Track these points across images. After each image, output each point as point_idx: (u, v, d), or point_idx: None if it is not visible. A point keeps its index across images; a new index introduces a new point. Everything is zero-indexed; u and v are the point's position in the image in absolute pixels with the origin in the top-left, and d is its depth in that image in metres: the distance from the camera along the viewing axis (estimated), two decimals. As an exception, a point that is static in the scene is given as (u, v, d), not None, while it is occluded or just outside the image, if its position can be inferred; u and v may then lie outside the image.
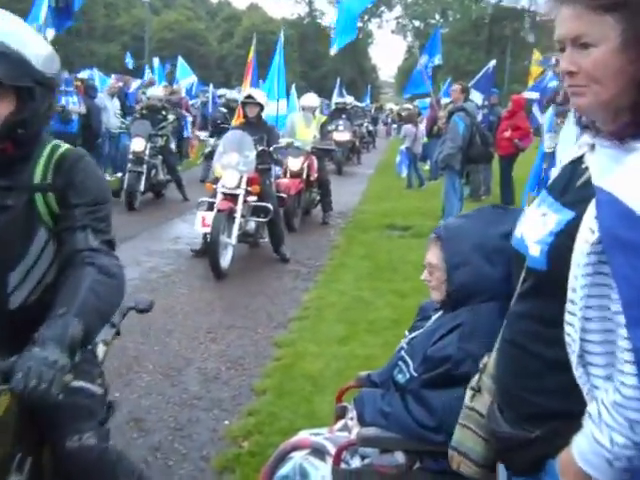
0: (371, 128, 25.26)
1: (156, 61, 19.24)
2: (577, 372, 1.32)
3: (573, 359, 1.33)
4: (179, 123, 14.18)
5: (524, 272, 1.49)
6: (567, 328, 1.34)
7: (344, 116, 17.02)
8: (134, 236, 8.24)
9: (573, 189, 1.43)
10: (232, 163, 6.93)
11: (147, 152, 10.31)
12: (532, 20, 46.11)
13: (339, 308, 5.84)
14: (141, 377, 4.33)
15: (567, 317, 1.33)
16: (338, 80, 22.08)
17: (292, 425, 3.63)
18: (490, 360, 1.73)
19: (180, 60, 19.36)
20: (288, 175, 9.34)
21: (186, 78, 18.99)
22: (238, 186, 6.85)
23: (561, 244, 1.35)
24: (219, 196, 6.88)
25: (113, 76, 16.11)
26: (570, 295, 1.32)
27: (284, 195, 8.35)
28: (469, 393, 1.78)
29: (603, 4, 1.28)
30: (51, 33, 10.94)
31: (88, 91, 12.77)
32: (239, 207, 6.81)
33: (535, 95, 12.93)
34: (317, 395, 4.05)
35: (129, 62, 18.24)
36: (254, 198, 7.08)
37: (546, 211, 1.45)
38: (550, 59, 14.40)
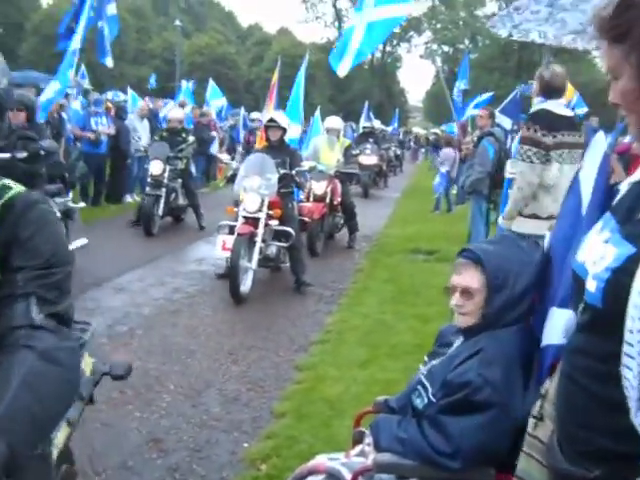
0: (398, 152, 25.37)
1: (184, 83, 19.47)
2: (637, 419, 1.24)
3: (632, 405, 1.24)
4: (205, 144, 14.38)
5: (583, 303, 1.41)
6: (625, 372, 1.24)
7: (371, 140, 17.10)
8: (158, 257, 8.32)
9: (635, 219, 1.34)
10: (254, 186, 6.85)
11: (166, 175, 9.96)
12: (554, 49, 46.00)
13: (361, 332, 5.82)
14: (162, 397, 4.35)
15: (625, 360, 1.24)
16: (366, 104, 22.15)
17: (311, 449, 3.61)
18: (551, 386, 1.67)
19: (211, 82, 19.60)
20: (311, 199, 9.26)
21: (216, 100, 19.22)
22: (259, 210, 6.78)
23: (619, 282, 1.26)
24: (240, 220, 6.79)
25: (147, 98, 16.35)
26: (628, 337, 1.23)
27: (307, 219, 8.26)
28: (531, 421, 1.74)
29: (612, 36, 1.29)
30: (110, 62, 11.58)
31: (118, 112, 13.02)
32: (260, 231, 6.73)
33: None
34: (336, 419, 4.03)
35: (152, 83, 18.52)
36: (276, 222, 6.99)
37: (608, 237, 1.36)
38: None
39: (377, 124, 21.29)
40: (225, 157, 10.37)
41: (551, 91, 4.79)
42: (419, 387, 2.22)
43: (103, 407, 4.10)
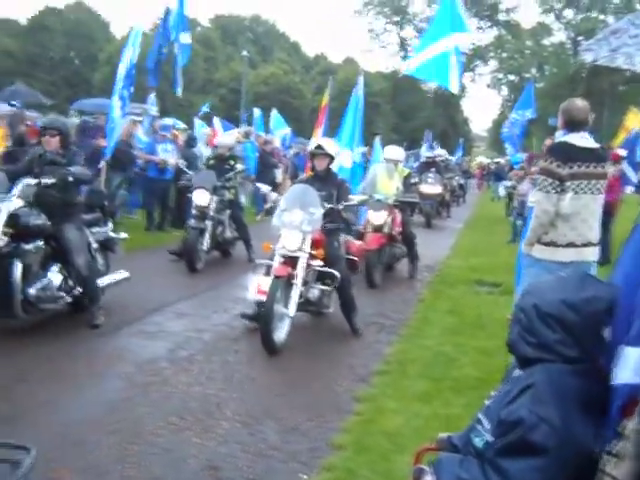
0: (462, 182, 25.10)
1: (256, 112, 19.80)
2: None
3: None
4: (269, 172, 14.57)
5: None
6: None
7: (433, 169, 16.99)
8: (219, 284, 8.40)
9: None
10: (294, 222, 6.05)
11: (212, 206, 9.24)
12: (631, 75, 44.97)
13: (422, 363, 5.71)
14: (220, 424, 4.34)
15: None
16: (428, 133, 22.01)
17: (369, 483, 3.55)
18: (630, 425, 1.59)
19: (274, 112, 19.88)
20: (370, 229, 8.92)
21: (280, 130, 19.47)
22: (300, 248, 5.99)
23: None
24: (277, 259, 6.02)
25: (216, 121, 16.64)
26: None
27: (355, 258, 7.10)
28: (608, 459, 1.66)
29: None
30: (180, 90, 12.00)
31: (188, 140, 13.37)
32: (299, 273, 5.95)
33: (623, 152, 12.47)
34: (396, 453, 3.94)
35: (204, 110, 18.91)
36: (319, 262, 6.23)
37: None
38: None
39: (442, 152, 21.10)
40: (265, 187, 9.38)
41: (573, 124, 4.94)
42: (477, 425, 2.15)
43: (163, 432, 4.13)
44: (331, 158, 6.71)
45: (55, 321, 6.20)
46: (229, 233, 9.85)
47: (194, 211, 9.25)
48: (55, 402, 4.50)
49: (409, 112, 54.05)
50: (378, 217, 8.95)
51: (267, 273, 6.10)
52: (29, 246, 5.57)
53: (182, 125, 17.30)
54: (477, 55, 58.72)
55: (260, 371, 5.40)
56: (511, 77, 60.42)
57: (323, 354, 5.95)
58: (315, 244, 6.17)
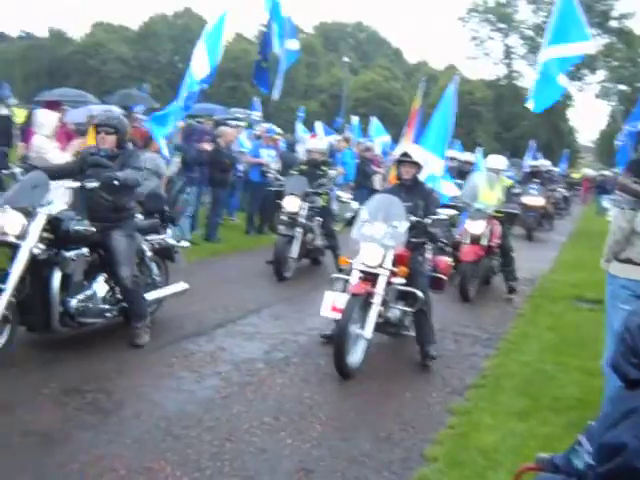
0: (566, 194, 24.25)
1: (354, 119, 19.89)
2: None
3: None
4: (368, 178, 14.58)
5: None
6: None
7: (537, 180, 16.52)
8: (311, 290, 8.46)
9: None
10: (376, 235, 5.59)
11: (303, 213, 8.91)
12: None
13: (520, 380, 5.56)
14: (314, 427, 4.38)
15: None
16: (532, 143, 21.38)
17: (462, 499, 3.49)
18: None
19: (374, 120, 19.88)
20: (467, 240, 8.59)
21: (380, 137, 19.45)
22: (380, 265, 5.50)
23: None
24: (355, 275, 5.57)
25: (318, 125, 16.84)
26: None
27: (442, 276, 6.58)
28: None
29: None
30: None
31: (288, 145, 13.62)
32: (379, 291, 5.45)
33: None
34: (490, 470, 3.86)
35: (301, 116, 19.15)
36: (401, 280, 5.67)
37: None
38: None
39: (546, 163, 20.44)
40: (346, 196, 9.33)
41: None
42: (577, 447, 2.07)
43: (258, 431, 4.21)
44: (419, 167, 6.18)
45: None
46: (319, 241, 9.49)
47: (284, 217, 9.03)
48: (156, 397, 4.67)
49: (511, 121, 52.79)
50: (476, 227, 8.63)
51: (344, 289, 5.63)
52: (70, 254, 5.13)
53: (278, 130, 17.60)
54: (585, 64, 56.69)
55: (354, 377, 5.37)
56: (622, 87, 57.96)
57: (416, 364, 5.89)
58: (397, 260, 5.61)
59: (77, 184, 5.35)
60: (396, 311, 5.81)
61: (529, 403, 5.01)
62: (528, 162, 19.78)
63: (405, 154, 6.22)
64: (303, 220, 8.92)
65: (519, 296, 9.17)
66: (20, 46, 53.10)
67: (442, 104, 8.94)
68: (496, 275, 9.45)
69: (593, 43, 8.59)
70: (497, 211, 8.86)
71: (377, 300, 5.43)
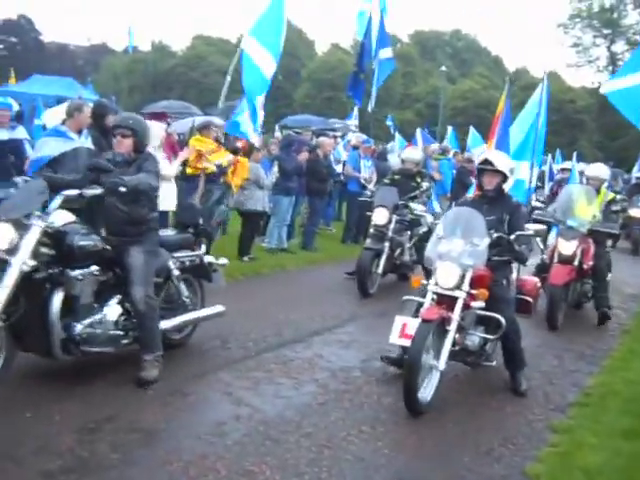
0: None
1: (449, 129, 19.74)
2: None
3: None
4: (466, 190, 14.33)
5: None
6: None
7: (645, 192, 15.77)
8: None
9: None
10: (452, 253, 5.00)
11: (391, 227, 8.47)
12: None
13: (626, 398, 5.33)
14: (411, 438, 4.38)
15: None
16: None
17: (565, 519, 3.39)
18: None
19: (472, 130, 19.59)
20: (556, 260, 7.72)
21: (478, 147, 19.17)
22: (458, 287, 4.91)
23: None
24: (429, 297, 5.03)
25: (418, 133, 16.81)
26: None
27: (529, 299, 6.00)
28: None
29: None
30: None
31: (382, 154, 13.62)
32: (455, 317, 4.84)
33: None
34: (595, 491, 3.73)
35: (391, 125, 19.05)
36: (480, 303, 5.02)
37: None
38: None
39: None
40: (420, 208, 8.81)
41: None
42: None
43: (355, 439, 4.24)
44: (504, 176, 5.56)
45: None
46: (408, 256, 8.99)
47: (372, 230, 8.59)
48: (255, 402, 4.78)
49: (617, 130, 50.63)
50: (568, 247, 7.66)
51: (417, 313, 5.08)
52: (76, 272, 4.52)
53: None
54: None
55: (451, 389, 5.32)
56: None
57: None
58: (477, 281, 5.01)
59: (75, 192, 4.70)
60: (475, 338, 5.20)
61: (636, 423, 4.79)
62: (636, 173, 18.95)
63: (486, 161, 5.62)
64: (391, 234, 8.48)
65: (626, 312, 8.78)
66: (125, 60, 55.52)
67: (530, 106, 8.58)
68: (589, 301, 8.34)
69: None
70: (592, 230, 7.84)
71: (453, 327, 4.82)
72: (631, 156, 25.60)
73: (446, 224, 5.25)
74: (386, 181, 9.36)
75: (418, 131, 15.75)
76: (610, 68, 57.77)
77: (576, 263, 7.66)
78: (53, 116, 8.25)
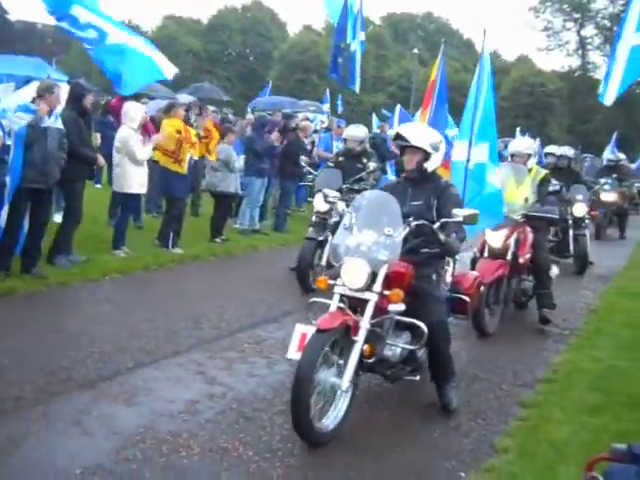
0: (644, 189, 23.48)
1: (418, 113, 19.82)
2: None
3: None
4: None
5: None
6: None
7: (615, 175, 15.98)
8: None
9: None
10: (362, 247, 4.18)
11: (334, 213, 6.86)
12: None
13: (592, 376, 5.45)
14: (382, 414, 4.45)
15: None
16: (615, 135, 20.43)
17: (532, 490, 3.48)
18: None
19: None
20: (485, 254, 6.66)
21: (450, 130, 19.28)
22: (368, 288, 4.10)
23: None
24: (335, 301, 4.14)
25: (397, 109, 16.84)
26: None
27: (465, 297, 5.13)
28: None
29: None
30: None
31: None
32: (364, 324, 4.01)
33: None
34: (561, 464, 3.82)
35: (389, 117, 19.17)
36: (399, 306, 4.16)
37: None
38: None
39: (622, 157, 19.58)
40: (332, 193, 6.43)
41: None
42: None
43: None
44: (425, 153, 4.60)
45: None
46: None
47: (314, 218, 7.76)
48: (228, 380, 4.82)
49: (586, 114, 51.31)
50: (497, 238, 6.57)
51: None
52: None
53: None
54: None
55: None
56: None
57: (487, 357, 5.86)
58: (394, 279, 4.22)
59: None
60: (396, 350, 4.36)
61: (602, 399, 4.91)
62: (608, 156, 19.19)
63: (399, 136, 4.67)
64: (333, 221, 6.87)
65: (592, 292, 8.95)
66: (95, 39, 54.72)
67: (479, 77, 7.05)
68: (530, 299, 7.38)
69: None
70: (526, 216, 6.78)
71: (360, 336, 3.99)
72: (600, 140, 25.95)
73: (355, 212, 4.37)
74: (330, 164, 8.53)
75: (398, 107, 15.71)
76: (580, 52, 58.34)
77: (509, 256, 6.56)
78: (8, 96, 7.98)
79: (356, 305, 4.14)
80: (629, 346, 6.35)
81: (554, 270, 7.22)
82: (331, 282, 4.21)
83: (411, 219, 4.37)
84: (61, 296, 6.62)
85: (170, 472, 3.47)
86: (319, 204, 7.52)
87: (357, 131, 8.73)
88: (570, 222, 10.02)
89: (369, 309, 4.06)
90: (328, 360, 3.94)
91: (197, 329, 5.93)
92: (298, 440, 3.86)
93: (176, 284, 7.54)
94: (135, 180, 8.14)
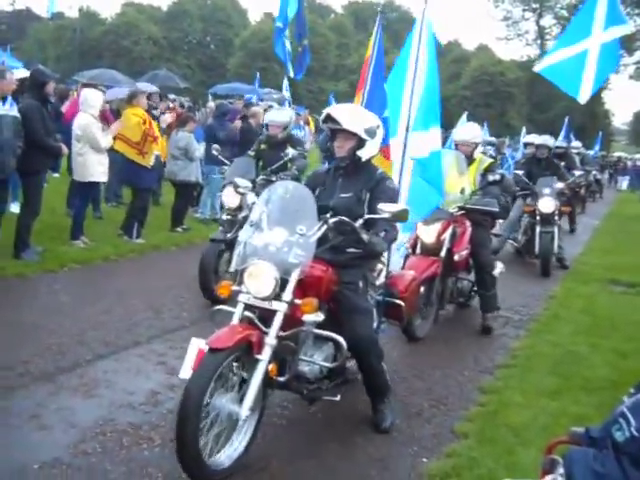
0: (599, 176, 24.05)
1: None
2: None
3: None
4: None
5: None
6: None
7: (562, 163, 16.08)
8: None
9: None
10: (270, 247, 3.57)
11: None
12: None
13: (551, 360, 5.56)
14: (344, 401, 4.43)
15: None
16: (566, 120, 20.19)
17: (491, 474, 3.55)
18: None
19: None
20: (418, 250, 6.01)
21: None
22: (277, 296, 3.50)
23: None
24: (238, 311, 3.56)
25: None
26: None
27: (399, 302, 4.64)
28: None
29: None
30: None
31: (318, 127, 13.62)
32: (270, 340, 3.41)
33: None
34: (520, 447, 3.89)
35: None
36: (316, 316, 3.59)
37: None
38: None
39: (576, 145, 19.49)
40: (243, 184, 5.50)
41: None
42: (621, 420, 2.07)
43: (289, 406, 4.27)
44: (359, 139, 3.96)
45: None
46: None
47: (223, 216, 6.77)
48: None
49: (545, 103, 51.97)
50: (429, 233, 5.94)
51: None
52: None
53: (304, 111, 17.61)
54: (622, 45, 55.48)
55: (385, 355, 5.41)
56: (659, 68, 56.73)
57: (448, 344, 5.92)
58: (309, 286, 3.68)
59: None
60: (314, 367, 3.86)
61: (560, 383, 5.02)
62: (560, 143, 19.36)
63: (328, 117, 4.01)
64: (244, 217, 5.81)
65: (550, 278, 9.09)
66: (51, 26, 53.49)
67: (403, 53, 5.78)
68: (471, 299, 6.90)
69: (630, 25, 8.46)
70: (464, 208, 6.17)
71: (265, 355, 3.38)
72: (557, 129, 26.26)
73: (265, 206, 3.76)
74: (250, 153, 7.46)
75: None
76: (539, 42, 59.03)
77: (443, 253, 5.94)
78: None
79: (267, 315, 3.52)
80: (586, 331, 6.49)
81: (498, 268, 6.68)
82: (235, 288, 3.61)
83: (328, 215, 3.75)
84: (18, 288, 6.48)
85: (131, 464, 3.43)
86: (228, 198, 6.55)
87: (279, 115, 7.52)
88: (538, 219, 9.30)
89: (276, 322, 3.46)
90: (227, 382, 3.36)
91: (158, 319, 5.87)
92: (260, 429, 3.84)
93: (136, 274, 7.44)
94: (97, 168, 7.98)
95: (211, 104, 16.86)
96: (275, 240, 3.58)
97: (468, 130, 6.88)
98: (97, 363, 4.75)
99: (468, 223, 6.20)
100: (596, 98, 56.26)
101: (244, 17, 62.52)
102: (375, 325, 4.39)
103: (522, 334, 6.39)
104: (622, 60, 57.24)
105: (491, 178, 6.34)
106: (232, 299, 3.65)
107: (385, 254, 4.50)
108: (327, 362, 3.87)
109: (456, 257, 6.04)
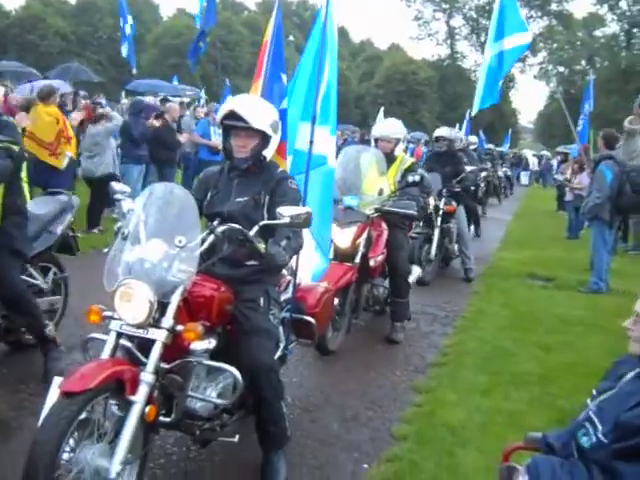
0: (509, 173, 24.86)
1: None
2: None
3: None
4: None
5: None
6: None
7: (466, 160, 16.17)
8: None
9: None
10: (145, 264, 2.98)
11: None
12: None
13: (480, 357, 5.60)
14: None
15: None
16: (467, 115, 19.27)
17: (434, 477, 3.50)
18: None
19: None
20: (332, 255, 5.23)
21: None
22: (156, 322, 2.94)
23: None
24: (111, 341, 2.96)
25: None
26: None
27: (309, 319, 4.15)
28: None
29: None
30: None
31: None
32: (146, 377, 2.82)
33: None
34: (459, 447, 3.87)
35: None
36: (207, 343, 3.09)
37: None
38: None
39: (473, 140, 18.27)
40: (121, 188, 4.16)
41: None
42: (587, 424, 2.04)
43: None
44: (263, 137, 3.47)
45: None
46: None
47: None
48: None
49: (455, 101, 53.28)
50: (343, 238, 5.43)
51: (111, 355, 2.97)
52: None
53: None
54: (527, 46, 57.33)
55: (316, 356, 5.32)
56: (561, 69, 59.15)
57: (377, 344, 5.88)
58: (199, 307, 3.16)
59: None
60: (209, 406, 3.22)
61: (490, 379, 5.05)
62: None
63: (233, 114, 3.42)
64: None
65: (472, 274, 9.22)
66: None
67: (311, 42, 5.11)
68: (385, 306, 6.25)
69: (530, 34, 8.81)
70: (380, 211, 5.69)
71: (140, 395, 2.78)
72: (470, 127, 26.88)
73: (141, 214, 3.11)
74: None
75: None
76: (449, 42, 60.49)
77: (358, 259, 5.46)
78: None
79: (149, 345, 2.92)
80: (510, 325, 6.61)
81: (415, 273, 6.47)
82: (106, 314, 3.00)
83: (215, 223, 3.30)
84: None
85: None
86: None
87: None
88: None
89: (154, 354, 2.87)
90: (96, 429, 2.70)
91: (81, 327, 5.56)
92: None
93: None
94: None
95: (125, 101, 16.37)
96: (151, 255, 2.96)
97: (388, 125, 6.51)
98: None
99: (384, 226, 5.81)
100: (504, 97, 58.14)
101: (156, 13, 61.19)
102: (282, 347, 3.87)
103: (450, 331, 6.42)
104: (527, 60, 59.58)
105: (411, 179, 5.93)
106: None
107: (293, 264, 4.01)
108: (223, 397, 3.21)
109: (372, 262, 5.58)
